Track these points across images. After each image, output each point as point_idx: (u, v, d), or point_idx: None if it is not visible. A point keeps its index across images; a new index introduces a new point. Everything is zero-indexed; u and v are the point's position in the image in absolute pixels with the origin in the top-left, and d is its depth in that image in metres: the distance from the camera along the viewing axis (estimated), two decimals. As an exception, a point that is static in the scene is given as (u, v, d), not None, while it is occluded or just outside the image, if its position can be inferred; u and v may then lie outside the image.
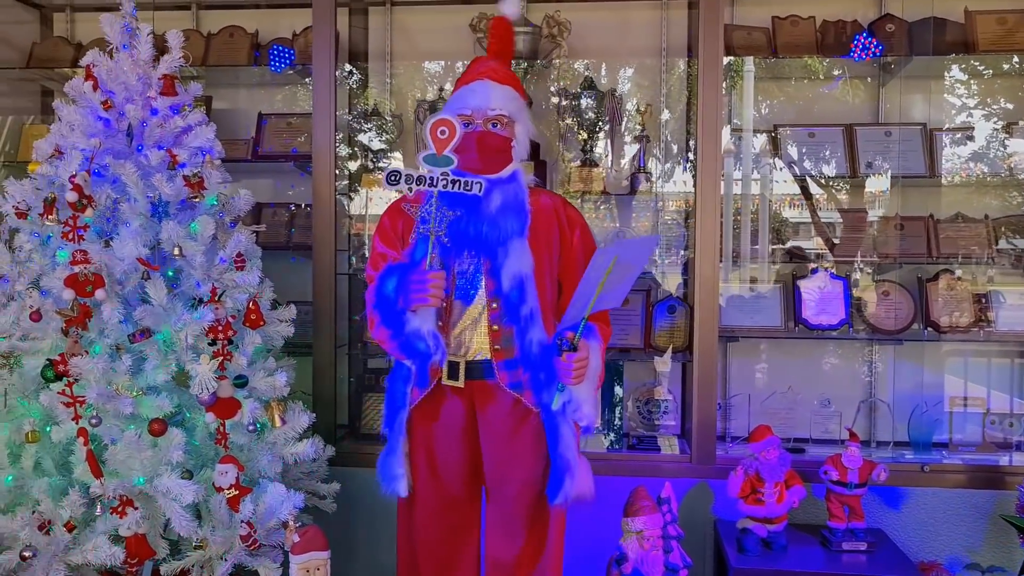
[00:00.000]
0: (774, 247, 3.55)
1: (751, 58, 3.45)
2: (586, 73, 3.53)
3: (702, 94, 3.11)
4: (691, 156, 3.46)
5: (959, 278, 3.34)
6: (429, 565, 2.49)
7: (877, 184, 3.48)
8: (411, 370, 2.38)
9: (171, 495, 2.28)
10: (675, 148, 3.63)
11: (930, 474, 3.11)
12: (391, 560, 3.16)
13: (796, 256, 3.51)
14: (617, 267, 2.14)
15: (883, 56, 3.27)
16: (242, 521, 2.37)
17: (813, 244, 3.58)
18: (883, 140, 3.41)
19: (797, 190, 3.54)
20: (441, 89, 3.61)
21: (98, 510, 2.27)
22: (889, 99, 3.51)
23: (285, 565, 2.43)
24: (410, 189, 2.20)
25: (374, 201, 3.65)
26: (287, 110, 3.74)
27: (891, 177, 3.41)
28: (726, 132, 3.44)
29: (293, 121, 3.62)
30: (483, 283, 2.33)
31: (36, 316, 2.34)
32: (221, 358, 2.41)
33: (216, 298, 2.44)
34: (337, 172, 3.31)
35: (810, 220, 3.56)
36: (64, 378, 2.26)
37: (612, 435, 3.34)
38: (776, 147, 3.47)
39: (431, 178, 2.18)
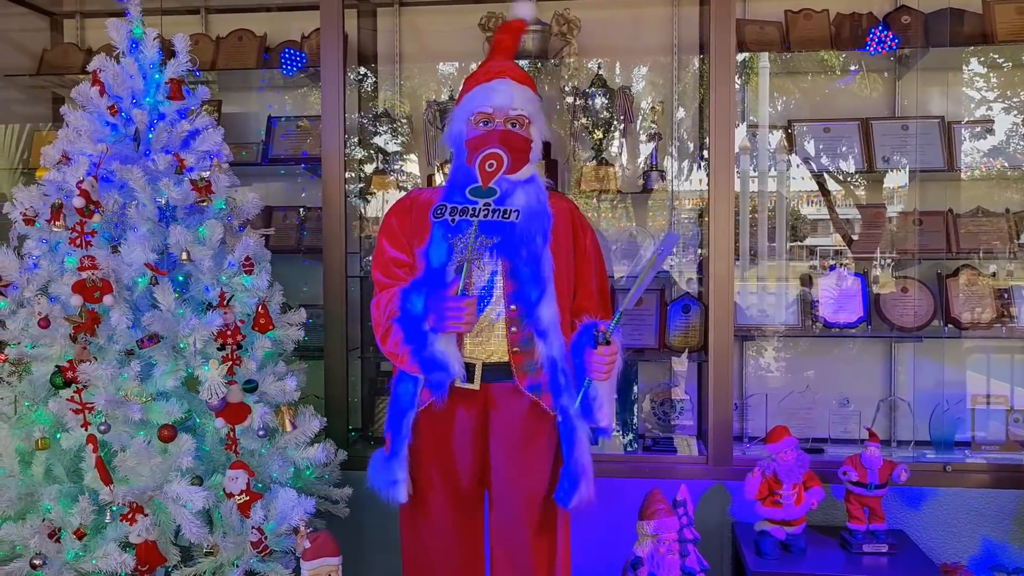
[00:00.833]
0: (791, 244, 3.50)
1: (765, 53, 3.41)
2: (598, 71, 3.50)
3: (715, 91, 3.07)
4: (705, 154, 3.42)
5: (980, 273, 3.27)
6: (435, 572, 2.46)
7: (895, 179, 3.42)
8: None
9: (181, 501, 2.26)
10: (690, 146, 3.59)
11: (952, 474, 3.05)
12: (405, 565, 3.14)
13: (813, 253, 3.46)
14: (653, 265, 2.18)
15: (899, 49, 3.22)
16: (253, 527, 2.35)
17: (831, 240, 3.53)
18: (900, 134, 3.35)
19: (814, 186, 3.50)
20: (451, 93, 3.59)
21: (108, 517, 2.26)
22: (906, 92, 3.45)
23: (297, 571, 2.41)
24: (452, 221, 2.22)
25: (388, 203, 3.63)
26: (297, 113, 3.73)
27: (909, 172, 3.36)
28: (741, 129, 3.40)
29: (303, 124, 3.60)
30: (501, 285, 2.30)
31: (44, 323, 2.33)
32: (230, 363, 2.40)
33: (225, 303, 2.43)
34: (348, 175, 3.29)
35: (827, 217, 3.51)
36: (73, 385, 2.25)
37: (628, 436, 3.29)
38: (791, 143, 3.42)
39: (474, 209, 2.22)
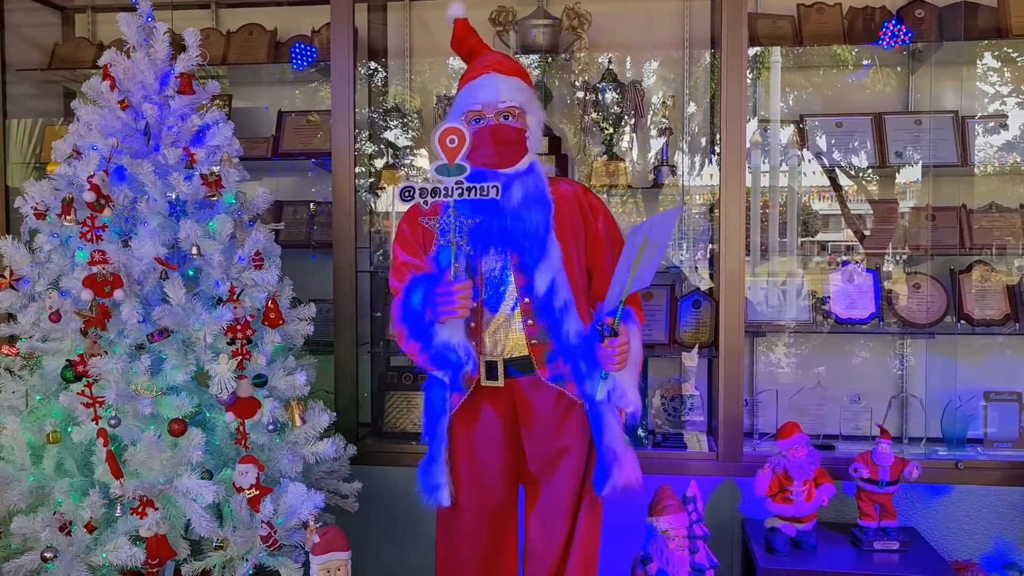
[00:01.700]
0: (802, 240, 3.48)
1: (777, 48, 3.38)
2: (609, 66, 3.48)
3: (726, 85, 3.05)
4: (717, 149, 3.40)
5: (993, 269, 3.25)
6: (470, 570, 2.45)
7: (908, 174, 3.40)
8: (444, 378, 2.35)
9: (191, 495, 2.27)
10: (701, 141, 3.57)
11: (964, 471, 3.03)
12: (414, 559, 3.16)
13: (825, 248, 3.44)
14: (648, 245, 2.11)
15: (912, 43, 3.19)
16: (262, 521, 2.36)
17: (843, 236, 3.51)
18: (913, 129, 3.32)
19: (825, 182, 3.47)
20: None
21: (118, 511, 2.27)
22: (919, 87, 3.42)
23: (306, 565, 2.41)
24: (425, 203, 2.16)
25: (397, 198, 3.63)
26: (307, 107, 3.73)
27: (922, 167, 3.33)
28: (753, 123, 3.38)
29: (313, 118, 3.60)
30: (512, 279, 2.30)
31: (56, 317, 2.34)
32: (240, 357, 2.40)
33: (235, 297, 2.43)
34: (359, 169, 3.29)
35: (839, 212, 3.49)
36: (84, 379, 2.25)
37: (638, 432, 3.28)
38: (803, 138, 3.40)
39: (445, 189, 2.14)
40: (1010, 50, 3.36)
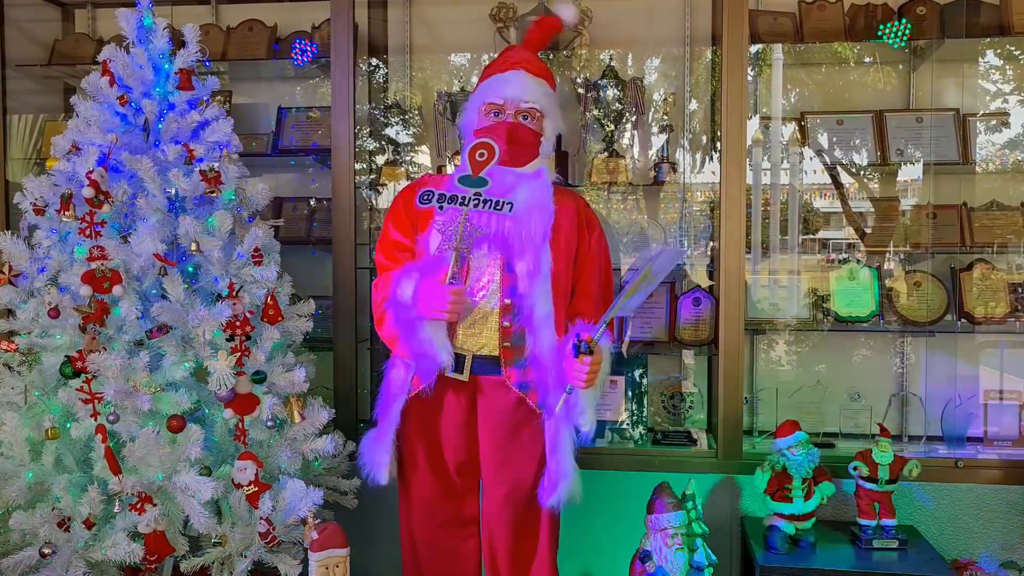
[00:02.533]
0: (803, 237, 3.47)
1: (778, 45, 3.37)
2: (610, 63, 3.47)
3: (727, 82, 3.04)
4: (718, 146, 3.39)
5: (994, 267, 3.24)
6: (430, 558, 2.49)
7: (909, 172, 3.39)
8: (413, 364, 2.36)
9: (190, 492, 2.27)
10: (702, 138, 3.56)
11: (964, 469, 3.02)
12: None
13: (826, 246, 3.43)
14: (647, 276, 2.15)
15: (914, 40, 3.18)
16: (261, 518, 2.36)
17: (844, 234, 3.50)
18: (914, 127, 3.31)
19: (826, 179, 3.46)
20: (462, 84, 3.58)
21: (117, 507, 2.27)
22: (920, 84, 3.41)
23: (305, 562, 2.41)
24: (440, 208, 2.19)
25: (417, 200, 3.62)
26: (308, 104, 3.72)
27: (923, 165, 3.32)
28: (754, 120, 3.37)
29: (313, 114, 3.59)
30: (499, 278, 2.29)
31: (54, 313, 2.34)
32: (239, 354, 2.40)
33: (234, 293, 2.43)
34: (359, 166, 3.28)
35: (840, 209, 3.48)
36: (82, 375, 2.25)
37: (638, 430, 3.28)
38: (804, 135, 3.39)
39: (463, 198, 2.19)
40: (1012, 47, 3.35)
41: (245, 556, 2.37)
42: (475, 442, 2.41)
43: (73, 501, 2.27)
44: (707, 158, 3.53)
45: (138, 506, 2.24)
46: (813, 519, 2.78)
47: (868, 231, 3.38)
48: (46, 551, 2.19)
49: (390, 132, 3.61)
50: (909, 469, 2.75)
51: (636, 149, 3.56)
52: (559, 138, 3.41)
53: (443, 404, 2.37)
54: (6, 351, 2.48)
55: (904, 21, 3.15)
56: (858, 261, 3.30)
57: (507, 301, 2.28)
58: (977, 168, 3.33)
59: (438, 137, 3.51)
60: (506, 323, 2.29)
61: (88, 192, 2.31)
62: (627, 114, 3.42)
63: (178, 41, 2.61)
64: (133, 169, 2.43)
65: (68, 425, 2.35)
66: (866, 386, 3.36)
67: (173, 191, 2.46)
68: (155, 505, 2.25)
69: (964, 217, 3.29)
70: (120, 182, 2.43)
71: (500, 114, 2.31)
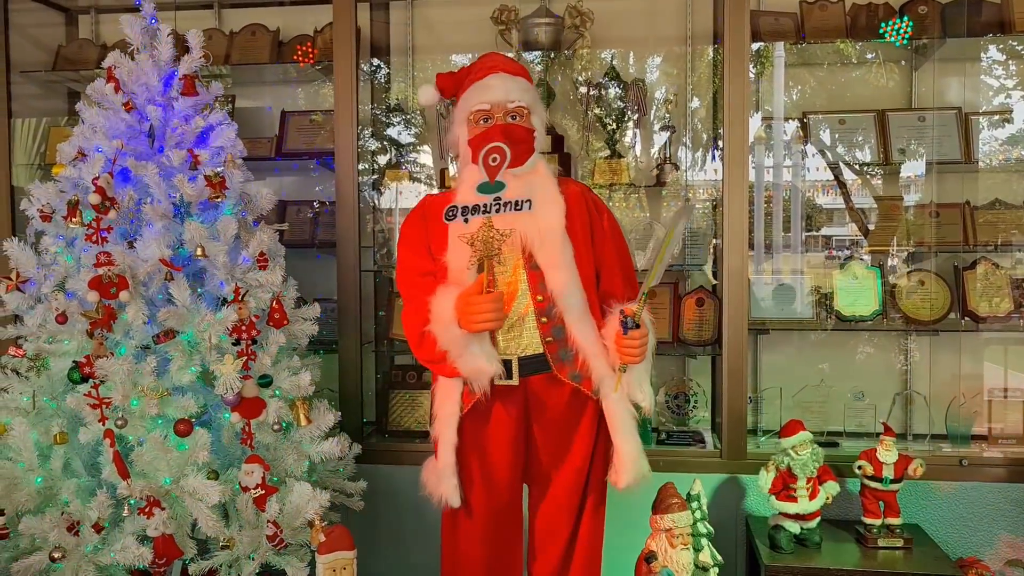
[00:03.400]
0: (806, 235, 3.48)
1: (780, 43, 3.38)
2: (611, 63, 3.48)
3: (728, 81, 3.05)
4: (720, 144, 3.40)
5: (997, 265, 3.24)
6: (474, 571, 2.47)
7: (911, 170, 3.39)
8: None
9: (197, 495, 2.28)
10: (704, 137, 3.57)
11: (969, 468, 3.03)
12: (419, 558, 3.17)
13: (829, 243, 3.44)
14: (672, 237, 2.21)
15: (916, 39, 3.19)
16: (268, 520, 2.37)
17: (847, 230, 3.51)
18: (917, 125, 3.32)
19: (829, 177, 3.47)
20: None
21: (126, 511, 2.28)
22: (923, 83, 3.42)
23: (312, 564, 2.43)
24: (466, 220, 2.25)
25: (401, 195, 3.64)
26: (310, 107, 3.73)
27: (925, 163, 3.32)
28: (756, 119, 3.38)
29: (316, 117, 3.61)
30: (525, 277, 2.30)
31: (62, 318, 2.35)
32: (245, 358, 2.40)
33: (239, 298, 2.44)
34: (362, 167, 3.29)
35: (843, 207, 3.49)
36: (90, 380, 2.27)
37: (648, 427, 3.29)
38: (807, 134, 3.39)
39: (485, 206, 2.24)
40: (1015, 43, 3.35)
41: (253, 558, 2.39)
42: (527, 446, 2.41)
43: (82, 505, 2.28)
44: (709, 157, 3.54)
45: (147, 510, 2.25)
46: (818, 519, 2.79)
47: (871, 228, 3.39)
48: (56, 555, 2.20)
49: (392, 133, 3.62)
50: (914, 468, 2.75)
51: (638, 149, 3.56)
52: (561, 139, 3.44)
53: (491, 416, 2.36)
54: (14, 357, 2.49)
55: (906, 19, 3.16)
56: (861, 260, 3.30)
57: (539, 297, 2.29)
58: (980, 166, 3.34)
59: (440, 138, 3.52)
60: (543, 319, 2.30)
61: (95, 198, 2.32)
62: (629, 113, 3.43)
63: (181, 46, 2.62)
64: (139, 175, 2.44)
65: (76, 430, 2.36)
66: (870, 385, 3.36)
67: (178, 196, 2.47)
68: (163, 509, 2.26)
69: (967, 215, 3.29)
70: (126, 188, 2.44)
71: (489, 119, 2.32)
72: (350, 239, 3.21)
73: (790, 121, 3.46)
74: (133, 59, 2.56)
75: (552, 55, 3.49)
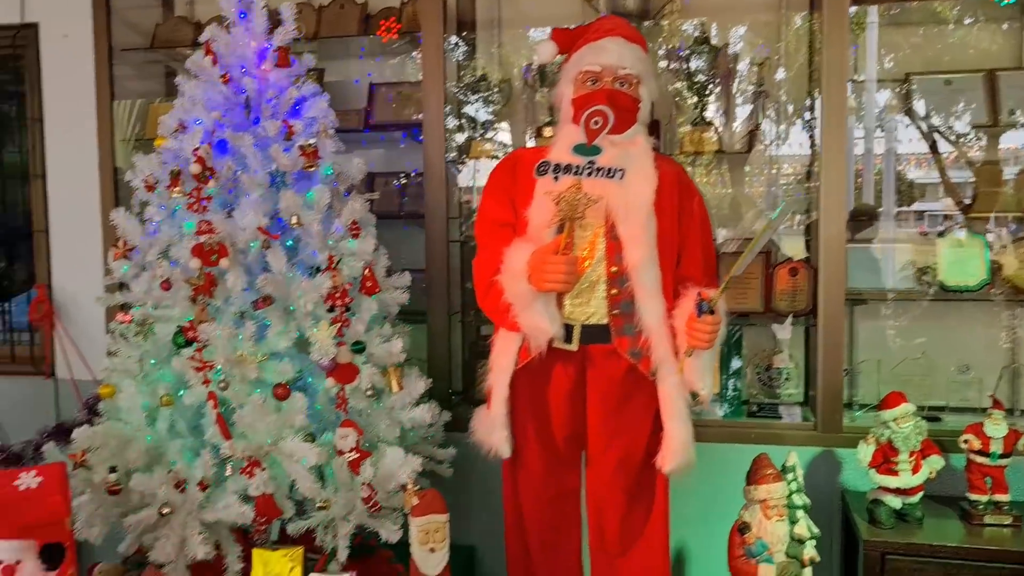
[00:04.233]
0: (902, 207, 3.35)
1: (875, 7, 3.24)
2: (699, 31, 3.40)
3: (827, 46, 2.94)
4: (811, 114, 3.29)
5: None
6: (535, 527, 2.50)
7: (1018, 136, 3.22)
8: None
9: (295, 457, 2.34)
10: (792, 107, 3.45)
11: (1082, 444, 2.87)
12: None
13: (922, 217, 3.30)
14: (768, 230, 2.14)
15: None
16: (363, 483, 2.42)
17: (940, 206, 3.36)
18: (1027, 85, 3.14)
19: (924, 148, 3.32)
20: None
21: (228, 470, 2.36)
22: (1033, 41, 3.23)
23: (405, 527, 2.46)
24: (556, 179, 2.22)
25: (482, 170, 3.64)
26: (397, 79, 3.76)
27: (1035, 125, 3.15)
28: (849, 86, 3.25)
29: (404, 90, 3.63)
30: (604, 246, 2.28)
31: (166, 285, 2.43)
32: (339, 324, 2.45)
33: (333, 266, 2.48)
34: (447, 140, 3.30)
35: (939, 179, 3.34)
36: (194, 344, 2.34)
37: (731, 402, 3.23)
38: (905, 99, 3.25)
39: (577, 167, 2.21)
40: None
41: (348, 520, 2.44)
42: (582, 413, 2.41)
43: (187, 465, 2.37)
44: (797, 127, 3.43)
45: (248, 470, 2.32)
46: (920, 494, 2.69)
47: (968, 202, 3.23)
48: (165, 510, 2.30)
49: (476, 107, 3.62)
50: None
51: (724, 118, 3.48)
52: (651, 106, 3.37)
53: (551, 376, 2.38)
54: (122, 323, 2.60)
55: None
56: (967, 228, 3.16)
57: (614, 269, 2.28)
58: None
59: (525, 111, 3.50)
60: (614, 291, 2.28)
61: (195, 168, 2.39)
62: (715, 83, 3.34)
63: (274, 19, 2.66)
64: (236, 146, 2.50)
65: (180, 393, 2.44)
66: (973, 358, 3.22)
67: (274, 166, 2.52)
68: (263, 469, 2.33)
69: (1082, 180, 3.11)
70: (224, 158, 2.50)
71: (597, 81, 2.29)
72: (438, 210, 3.23)
73: (888, 85, 3.32)
74: (229, 32, 2.61)
75: (640, 22, 3.42)
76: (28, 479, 1.82)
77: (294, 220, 2.48)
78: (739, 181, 3.47)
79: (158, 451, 2.45)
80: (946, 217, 3.34)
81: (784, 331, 3.23)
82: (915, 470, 2.65)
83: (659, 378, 2.32)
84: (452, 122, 3.56)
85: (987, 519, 2.66)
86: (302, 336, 2.48)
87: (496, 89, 3.57)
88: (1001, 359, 3.26)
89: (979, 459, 2.67)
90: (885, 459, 2.68)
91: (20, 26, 3.74)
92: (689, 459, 2.32)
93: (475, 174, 3.63)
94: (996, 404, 2.69)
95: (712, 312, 2.19)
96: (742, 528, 2.45)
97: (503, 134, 3.65)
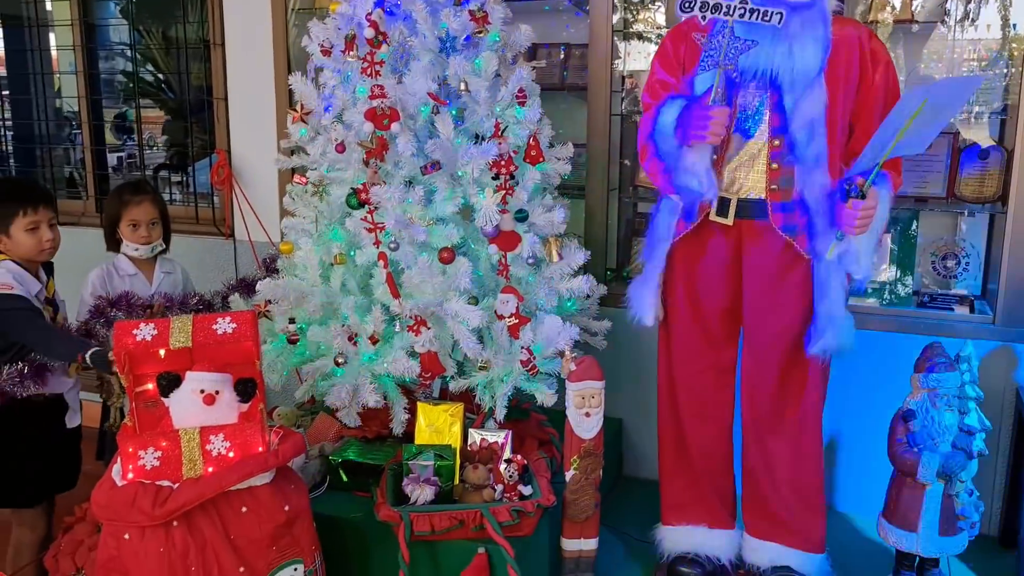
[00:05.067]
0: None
1: None
2: None
3: None
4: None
5: None
6: (688, 401, 2.52)
7: None
8: (678, 203, 2.32)
9: (459, 318, 2.43)
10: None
11: None
12: (655, 403, 3.21)
13: None
14: (926, 111, 1.94)
15: None
16: (522, 347, 2.49)
17: None
18: None
19: None
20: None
21: (396, 327, 2.48)
22: None
23: (559, 392, 2.54)
24: (703, 17, 2.07)
25: (642, 41, 3.51)
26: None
27: None
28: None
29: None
30: (767, 118, 2.18)
31: (341, 148, 2.52)
32: (503, 192, 2.48)
33: (499, 133, 2.49)
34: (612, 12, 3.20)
35: None
36: (366, 206, 2.44)
37: (897, 291, 3.08)
38: None
39: (727, 6, 2.03)
40: None
41: (505, 381, 2.54)
42: (738, 289, 2.38)
43: (359, 320, 2.51)
44: (984, 4, 3.08)
45: (415, 328, 2.44)
46: (1107, 395, 2.53)
47: None
48: (340, 360, 2.46)
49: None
50: None
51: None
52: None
53: (707, 249, 2.35)
54: (298, 184, 2.73)
55: None
56: None
57: (776, 141, 2.18)
58: None
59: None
60: (774, 165, 2.20)
61: (369, 32, 2.43)
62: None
63: None
64: (407, 10, 2.51)
65: (352, 253, 2.57)
66: None
67: (443, 32, 2.52)
68: (429, 328, 2.44)
69: None
70: (396, 23, 2.52)
71: None
72: (601, 82, 3.17)
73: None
74: None
75: None
76: (224, 324, 1.98)
77: (462, 86, 2.50)
78: (915, 52, 3.18)
79: (331, 306, 2.60)
80: None
81: (965, 220, 3.03)
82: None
83: (814, 257, 2.24)
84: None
85: None
86: (467, 203, 2.53)
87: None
88: None
89: None
90: (1071, 357, 2.51)
91: None
92: (839, 342, 2.24)
93: (626, 58, 3.50)
94: None
95: (863, 197, 2.07)
96: (906, 415, 2.38)
97: (659, 15, 3.50)
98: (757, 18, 2.03)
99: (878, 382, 2.86)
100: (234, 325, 1.98)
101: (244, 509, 1.99)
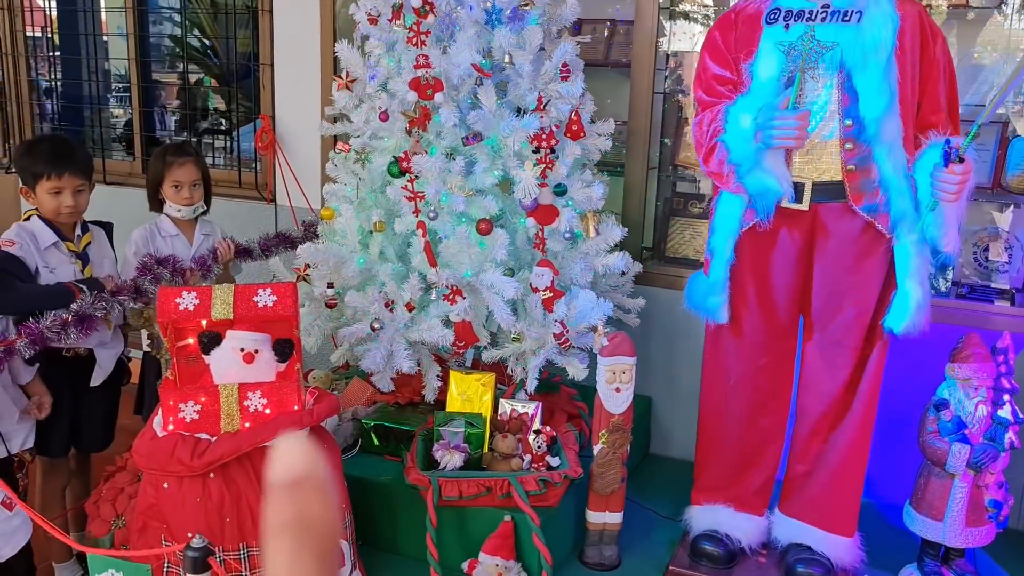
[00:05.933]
0: None
1: None
2: None
3: None
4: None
5: None
6: (748, 395, 2.47)
7: None
8: (747, 200, 2.29)
9: (494, 289, 2.46)
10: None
11: None
12: (687, 384, 3.22)
13: None
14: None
15: None
16: (556, 320, 2.52)
17: None
18: None
19: None
20: None
21: (432, 295, 2.52)
22: None
23: (591, 367, 2.56)
24: (786, 27, 2.10)
25: (690, 35, 3.48)
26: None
27: None
28: None
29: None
30: (837, 98, 2.17)
31: (384, 116, 2.55)
32: (543, 166, 2.49)
33: (542, 107, 2.50)
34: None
35: None
36: (407, 174, 2.46)
37: (942, 280, 3.05)
38: None
39: (811, 12, 2.08)
40: None
41: (538, 354, 2.56)
42: (808, 277, 2.35)
43: (397, 287, 2.54)
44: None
45: (450, 297, 2.47)
46: None
47: None
48: (376, 325, 2.50)
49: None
50: None
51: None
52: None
53: (777, 239, 2.31)
54: (341, 151, 2.76)
55: None
56: None
57: (848, 122, 2.16)
58: None
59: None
60: (848, 146, 2.18)
61: (416, 2, 2.44)
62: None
63: None
64: (454, -20, 2.52)
65: (392, 220, 2.60)
66: None
67: (489, 4, 2.53)
68: (464, 298, 2.47)
69: None
70: (443, -7, 2.53)
71: None
72: (645, 60, 3.15)
73: None
74: None
75: None
76: (265, 296, 2.01)
77: (507, 59, 2.51)
78: (967, 48, 3.13)
79: (369, 273, 2.64)
80: None
81: (1004, 220, 2.98)
82: None
83: (897, 235, 2.22)
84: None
85: None
86: (506, 176, 2.55)
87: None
88: None
89: None
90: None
91: None
92: (920, 322, 2.22)
93: (671, 38, 3.48)
94: None
95: (962, 160, 2.05)
96: (939, 405, 2.36)
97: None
98: (838, 20, 2.06)
99: (912, 370, 2.84)
100: (275, 298, 2.02)
101: (278, 465, 2.05)
